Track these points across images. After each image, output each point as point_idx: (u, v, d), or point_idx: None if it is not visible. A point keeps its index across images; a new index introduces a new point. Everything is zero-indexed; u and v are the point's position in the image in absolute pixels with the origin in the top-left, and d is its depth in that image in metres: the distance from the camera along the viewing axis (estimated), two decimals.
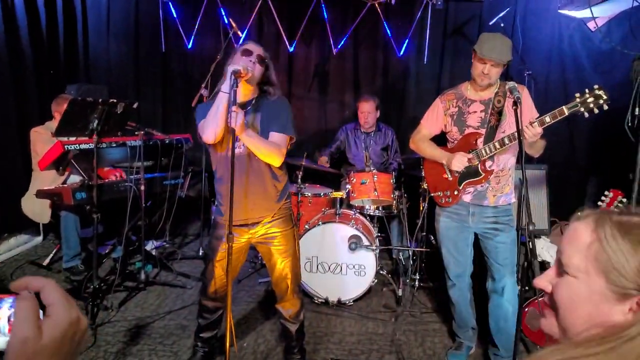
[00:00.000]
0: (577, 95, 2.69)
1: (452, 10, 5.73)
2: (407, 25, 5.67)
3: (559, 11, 5.17)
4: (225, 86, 2.60)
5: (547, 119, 2.75)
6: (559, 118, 2.72)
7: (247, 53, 2.76)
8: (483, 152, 3.01)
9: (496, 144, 2.96)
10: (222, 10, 5.61)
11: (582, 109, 2.69)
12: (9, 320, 0.67)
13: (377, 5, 5.52)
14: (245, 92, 2.80)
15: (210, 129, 2.66)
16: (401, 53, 5.73)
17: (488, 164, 3.07)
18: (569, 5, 4.90)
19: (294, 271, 3.01)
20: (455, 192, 3.18)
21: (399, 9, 5.60)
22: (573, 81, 5.41)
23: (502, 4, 5.32)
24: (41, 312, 0.70)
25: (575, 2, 4.69)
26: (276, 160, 2.77)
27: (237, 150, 2.70)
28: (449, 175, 3.21)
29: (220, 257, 2.90)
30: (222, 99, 2.61)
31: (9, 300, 0.68)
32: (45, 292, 0.70)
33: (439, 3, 5.44)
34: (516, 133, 2.65)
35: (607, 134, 4.92)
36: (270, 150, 2.71)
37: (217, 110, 2.63)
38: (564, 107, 2.71)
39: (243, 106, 2.77)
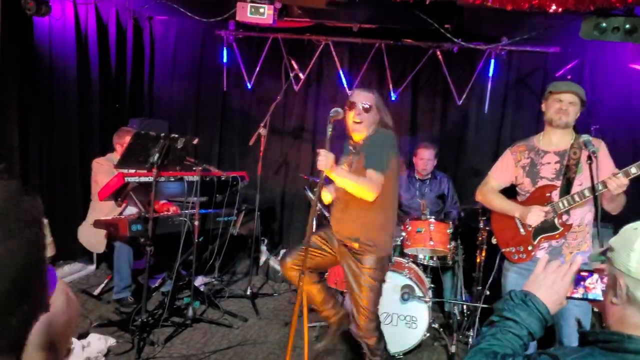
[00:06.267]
0: None
1: (515, 61, 5.62)
2: (468, 73, 5.59)
3: (630, 65, 5.00)
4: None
5: (633, 169, 2.60)
6: None
7: (352, 105, 3.03)
8: (560, 205, 2.86)
9: (575, 196, 2.81)
10: (284, 52, 5.70)
11: None
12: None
13: (438, 53, 5.49)
14: (358, 139, 3.09)
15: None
16: (461, 101, 5.64)
17: (564, 217, 2.90)
18: None
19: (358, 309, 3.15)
20: (530, 248, 2.99)
21: (461, 57, 5.55)
22: None
23: (569, 56, 5.19)
24: None
25: None
26: (368, 196, 2.83)
27: None
28: (522, 230, 3.03)
29: (313, 246, 3.14)
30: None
31: None
32: None
33: (502, 53, 5.37)
34: (597, 185, 2.55)
35: None
36: (360, 188, 2.81)
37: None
38: None
39: (357, 147, 3.07)
